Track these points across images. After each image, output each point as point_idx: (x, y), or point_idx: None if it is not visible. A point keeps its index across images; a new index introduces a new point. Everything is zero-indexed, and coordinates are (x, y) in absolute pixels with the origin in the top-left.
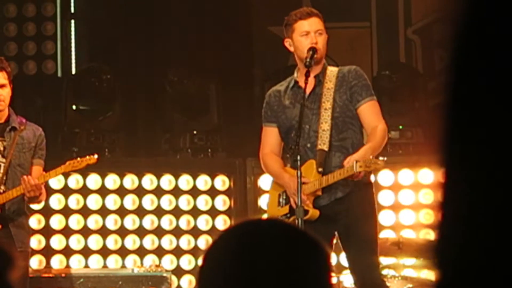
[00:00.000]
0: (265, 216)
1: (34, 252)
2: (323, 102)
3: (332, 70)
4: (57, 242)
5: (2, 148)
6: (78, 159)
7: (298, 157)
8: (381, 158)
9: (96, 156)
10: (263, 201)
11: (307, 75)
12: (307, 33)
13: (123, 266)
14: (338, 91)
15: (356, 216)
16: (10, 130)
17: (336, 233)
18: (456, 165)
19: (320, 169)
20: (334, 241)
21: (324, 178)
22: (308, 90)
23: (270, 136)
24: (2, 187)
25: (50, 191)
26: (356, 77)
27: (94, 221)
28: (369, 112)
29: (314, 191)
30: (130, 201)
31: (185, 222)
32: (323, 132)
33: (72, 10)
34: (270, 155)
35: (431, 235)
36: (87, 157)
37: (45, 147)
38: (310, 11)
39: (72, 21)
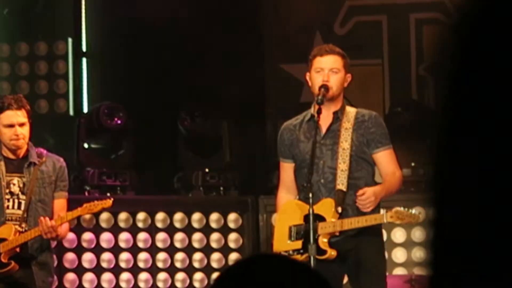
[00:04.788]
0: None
1: None
2: (341, 142)
3: (350, 111)
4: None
5: (21, 185)
6: (95, 202)
7: (310, 195)
8: (413, 211)
9: (111, 199)
10: None
11: (318, 112)
12: (321, 70)
13: None
14: (356, 131)
15: (366, 254)
16: (29, 166)
17: (346, 271)
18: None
19: (339, 209)
20: (345, 280)
21: (346, 221)
22: (324, 125)
23: (286, 173)
24: (24, 225)
25: None
26: (376, 125)
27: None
28: (387, 159)
29: (333, 232)
30: (143, 239)
31: (198, 259)
32: (341, 172)
33: (84, 48)
34: (284, 199)
35: None
36: (103, 200)
37: (67, 178)
38: (330, 49)
39: (84, 59)
